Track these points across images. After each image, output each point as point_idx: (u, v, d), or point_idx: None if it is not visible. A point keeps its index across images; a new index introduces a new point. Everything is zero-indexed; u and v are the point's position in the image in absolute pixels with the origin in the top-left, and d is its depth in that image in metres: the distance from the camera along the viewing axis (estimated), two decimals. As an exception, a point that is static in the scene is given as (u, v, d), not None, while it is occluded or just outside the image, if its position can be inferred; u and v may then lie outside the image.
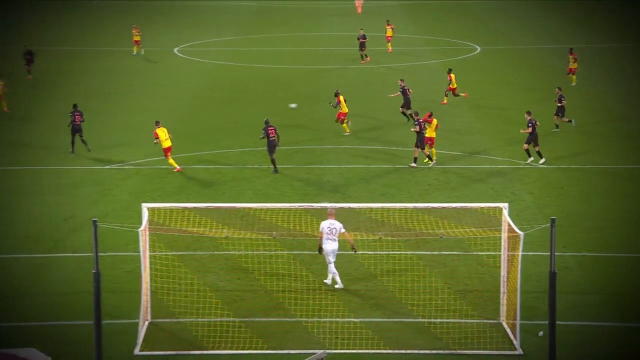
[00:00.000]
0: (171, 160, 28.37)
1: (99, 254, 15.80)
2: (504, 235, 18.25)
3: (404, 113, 34.63)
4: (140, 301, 17.70)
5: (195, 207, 20.98)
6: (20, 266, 21.15)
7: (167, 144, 28.30)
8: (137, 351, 16.92)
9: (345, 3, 74.21)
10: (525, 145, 29.33)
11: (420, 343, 17.31)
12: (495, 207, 19.30)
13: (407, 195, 26.51)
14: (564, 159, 30.49)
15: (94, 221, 15.75)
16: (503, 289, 18.21)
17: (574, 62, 41.64)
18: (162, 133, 28.28)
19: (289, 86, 42.81)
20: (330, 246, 19.29)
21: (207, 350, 16.98)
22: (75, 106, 30.82)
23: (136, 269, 20.09)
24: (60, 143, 31.80)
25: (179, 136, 33.08)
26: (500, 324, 18.18)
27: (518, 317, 17.25)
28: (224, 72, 46.76)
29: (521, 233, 17.28)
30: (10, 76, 41.28)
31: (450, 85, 37.84)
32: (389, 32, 50.76)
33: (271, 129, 28.09)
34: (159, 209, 20.00)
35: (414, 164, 28.65)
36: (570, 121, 33.41)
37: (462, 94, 38.15)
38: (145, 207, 18.28)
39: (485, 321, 18.24)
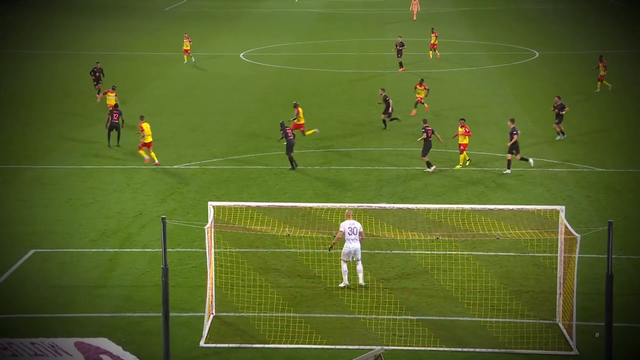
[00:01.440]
0: (152, 154, 29.73)
1: (167, 249, 16.49)
2: (561, 237, 18.43)
3: (384, 121, 34.28)
4: (206, 295, 18.44)
5: (258, 206, 21.66)
6: (96, 260, 22.09)
7: (149, 139, 29.67)
8: (202, 343, 17.57)
9: (401, 9, 74.41)
10: (509, 155, 28.54)
11: (476, 342, 17.61)
12: (552, 210, 19.51)
13: (464, 196, 26.80)
14: (620, 162, 30.34)
15: (163, 218, 16.42)
16: (559, 290, 18.40)
17: (603, 69, 41.32)
18: (148, 128, 29.74)
19: (350, 90, 43.36)
20: (352, 246, 19.72)
21: (268, 344, 17.53)
22: (116, 106, 33.19)
23: (202, 265, 20.89)
24: (130, 144, 33.03)
25: (246, 137, 34.00)
26: (557, 324, 18.38)
27: (574, 318, 17.43)
28: (288, 76, 47.54)
29: (578, 235, 17.48)
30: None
31: (419, 95, 36.43)
32: (433, 40, 50.46)
33: (288, 129, 29.45)
34: (224, 207, 20.73)
35: (429, 169, 28.90)
36: (561, 132, 32.71)
37: (425, 105, 36.44)
38: (211, 205, 19.01)
39: (541, 321, 18.46)
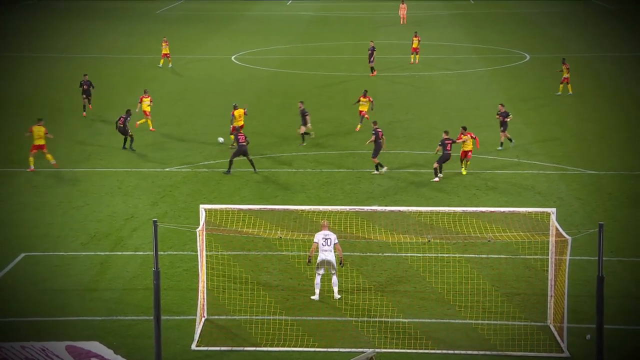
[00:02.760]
0: (32, 159, 29.79)
1: (159, 252, 16.46)
2: (552, 239, 18.49)
3: (303, 134, 33.60)
4: (197, 298, 18.43)
5: (250, 209, 21.67)
6: (87, 263, 22.05)
7: (40, 142, 29.86)
8: (194, 346, 17.57)
9: (390, 13, 74.55)
10: (436, 164, 28.25)
11: (468, 344, 17.66)
12: (543, 212, 19.56)
13: (456, 199, 26.85)
14: (612, 164, 30.45)
15: (154, 221, 16.42)
16: (550, 292, 18.46)
17: (567, 72, 41.53)
18: (38, 131, 29.89)
19: (342, 93, 43.41)
20: (326, 257, 19.31)
21: (260, 347, 17.54)
22: (128, 111, 32.61)
23: (193, 268, 20.88)
24: (120, 149, 33.00)
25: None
26: (548, 326, 18.43)
27: (565, 321, 17.49)
28: (281, 78, 47.56)
29: (569, 238, 17.54)
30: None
31: (362, 108, 34.47)
32: (416, 44, 50.27)
33: (240, 135, 29.13)
34: (215, 210, 20.72)
35: (377, 172, 28.74)
36: (509, 139, 32.19)
37: (365, 117, 34.93)
38: (202, 208, 19.02)
39: (533, 324, 18.51)
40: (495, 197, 26.97)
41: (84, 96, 37.85)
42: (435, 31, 65.05)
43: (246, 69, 50.34)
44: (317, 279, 19.62)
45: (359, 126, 34.80)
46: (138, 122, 34.47)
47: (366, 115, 34.55)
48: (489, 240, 21.57)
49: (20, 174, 29.74)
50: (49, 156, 29.80)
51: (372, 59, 46.94)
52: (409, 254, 21.95)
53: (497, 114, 32.43)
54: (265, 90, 44.35)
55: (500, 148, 32.02)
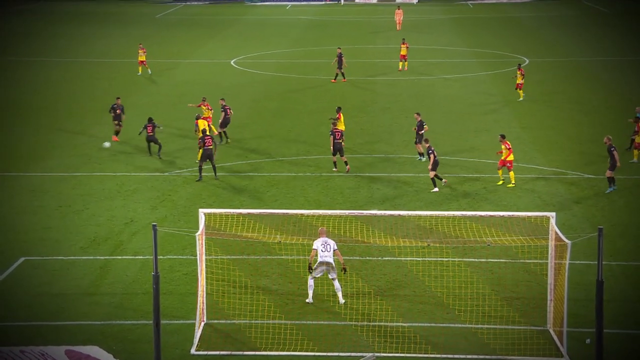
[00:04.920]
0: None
1: (158, 257, 16.48)
2: (551, 243, 18.50)
3: (221, 133, 33.73)
4: (197, 303, 18.42)
5: (249, 213, 21.67)
6: (86, 267, 22.03)
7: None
8: (193, 350, 17.54)
9: (387, 18, 74.67)
10: (432, 174, 27.76)
11: (467, 348, 17.66)
12: (543, 216, 19.58)
13: (455, 203, 26.86)
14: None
15: (154, 225, 16.43)
16: (550, 296, 18.46)
17: (521, 78, 41.56)
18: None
19: (341, 97, 43.46)
20: (325, 262, 19.29)
21: (259, 351, 17.53)
22: (150, 119, 32.13)
23: (193, 272, 20.86)
24: (121, 150, 32.99)
25: (236, 145, 34.00)
26: (547, 331, 18.43)
27: (565, 325, 17.50)
28: (279, 83, 47.60)
29: (568, 242, 17.55)
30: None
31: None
32: (404, 51, 49.97)
33: (208, 138, 28.92)
34: (214, 214, 20.71)
35: (436, 189, 27.87)
36: (420, 154, 31.24)
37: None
38: (202, 212, 19.02)
39: (532, 328, 18.52)
40: (494, 201, 26.99)
41: (116, 122, 34.25)
42: (433, 36, 65.16)
43: (245, 73, 50.39)
44: (311, 282, 19.57)
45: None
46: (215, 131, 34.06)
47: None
48: (489, 245, 21.58)
49: (19, 178, 29.73)
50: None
51: (340, 64, 46.44)
52: (408, 258, 21.95)
53: (415, 127, 31.25)
54: (264, 94, 44.39)
55: (420, 158, 31.12)
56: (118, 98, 35.23)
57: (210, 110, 34.94)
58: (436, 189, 27.82)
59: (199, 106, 35.06)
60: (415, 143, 31.63)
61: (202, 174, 29.13)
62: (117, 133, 34.27)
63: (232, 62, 53.79)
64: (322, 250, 19.36)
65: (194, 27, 71.78)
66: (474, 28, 69.80)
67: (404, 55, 49.78)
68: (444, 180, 28.11)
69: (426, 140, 28.96)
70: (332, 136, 29.84)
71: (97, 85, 47.02)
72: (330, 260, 19.35)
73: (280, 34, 66.95)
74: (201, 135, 29.80)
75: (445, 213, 22.29)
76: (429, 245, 21.83)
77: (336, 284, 19.62)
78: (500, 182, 28.55)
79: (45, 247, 23.37)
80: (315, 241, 19.60)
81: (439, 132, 35.96)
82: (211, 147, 28.86)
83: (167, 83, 47.54)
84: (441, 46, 60.02)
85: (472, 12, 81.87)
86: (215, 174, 29.22)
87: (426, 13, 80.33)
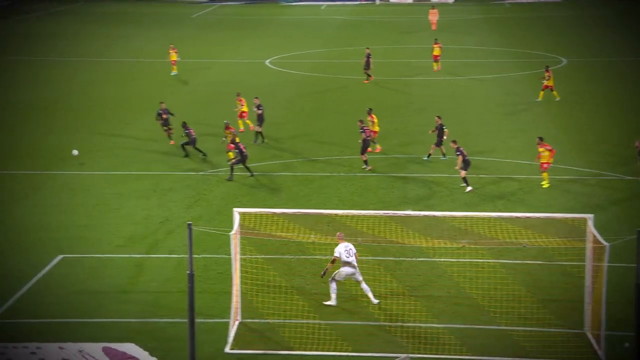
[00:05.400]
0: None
1: (193, 255, 16.57)
2: (589, 245, 18.27)
3: (258, 132, 33.74)
4: (231, 302, 18.49)
5: (283, 213, 21.71)
6: (123, 265, 22.27)
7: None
8: (227, 349, 17.62)
9: (421, 17, 74.35)
10: (463, 174, 27.68)
11: (503, 351, 17.52)
12: (580, 218, 19.34)
13: (490, 204, 26.65)
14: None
15: (189, 224, 16.56)
16: (588, 299, 18.23)
17: (549, 79, 40.96)
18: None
19: (375, 97, 43.38)
20: (351, 268, 19.39)
21: (293, 350, 17.54)
22: (185, 124, 32.28)
23: (227, 271, 20.95)
24: (157, 149, 33.29)
25: (271, 144, 34.10)
26: (584, 334, 18.21)
27: (603, 328, 17.26)
28: (314, 83, 47.65)
29: (607, 244, 17.32)
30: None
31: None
32: (437, 51, 49.47)
33: (241, 145, 29.28)
34: (249, 213, 20.79)
35: (470, 188, 27.78)
36: (444, 155, 31.22)
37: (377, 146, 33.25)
38: (236, 211, 19.11)
39: (569, 331, 18.30)
40: (531, 202, 26.72)
41: (165, 127, 33.69)
42: (469, 35, 64.72)
43: (280, 73, 50.52)
44: (334, 285, 19.56)
45: (378, 147, 32.73)
46: (251, 126, 34.50)
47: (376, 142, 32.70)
48: (525, 246, 21.37)
49: (58, 177, 30.14)
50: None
51: (368, 65, 46.32)
52: (443, 259, 21.83)
53: (435, 128, 31.15)
54: (298, 94, 44.47)
55: (444, 158, 31.14)
56: (162, 102, 34.68)
57: (243, 104, 35.29)
58: (470, 188, 27.61)
59: (240, 102, 35.33)
60: (436, 145, 31.33)
61: (233, 173, 29.25)
62: (170, 137, 33.72)
63: (266, 62, 53.97)
64: (346, 257, 19.41)
65: (229, 27, 72.15)
66: (511, 28, 69.18)
67: (436, 56, 49.53)
68: (469, 188, 27.78)
69: (454, 142, 28.79)
70: (362, 133, 30.01)
71: (133, 85, 47.50)
72: (355, 264, 19.44)
73: (315, 34, 67.02)
74: (230, 142, 29.76)
75: (481, 214, 22.13)
76: (463, 246, 21.68)
77: (364, 285, 19.61)
78: (547, 185, 28.17)
79: (83, 245, 23.66)
80: (336, 248, 19.58)
81: (475, 132, 35.75)
82: (246, 153, 29.08)
83: (202, 83, 47.85)
84: (477, 46, 59.59)
85: (509, 11, 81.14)
86: (250, 173, 29.34)
87: (462, 13, 79.81)
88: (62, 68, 52.77)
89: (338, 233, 20.06)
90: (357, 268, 19.50)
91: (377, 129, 32.36)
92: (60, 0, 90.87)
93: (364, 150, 30.30)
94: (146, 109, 39.78)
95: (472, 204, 26.68)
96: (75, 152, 31.15)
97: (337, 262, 19.56)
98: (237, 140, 29.67)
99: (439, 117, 31.84)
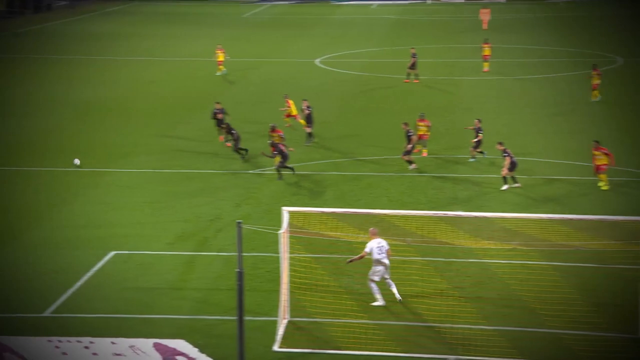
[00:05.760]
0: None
1: (242, 254, 16.65)
2: (645, 249, 17.90)
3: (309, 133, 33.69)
4: (280, 300, 18.55)
5: (332, 212, 21.69)
6: (173, 262, 22.50)
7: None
8: (276, 347, 17.67)
9: (472, 16, 73.58)
10: (505, 172, 27.61)
11: (554, 354, 17.24)
12: (635, 221, 18.93)
13: (542, 206, 26.25)
14: None
15: (238, 223, 16.66)
16: (642, 303, 17.86)
17: (597, 78, 39.86)
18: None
19: (423, 97, 43.11)
20: (382, 264, 19.35)
21: (341, 350, 17.52)
22: (229, 126, 32.44)
23: (276, 269, 21.01)
24: (207, 149, 33.63)
25: (320, 144, 34.15)
26: (639, 339, 17.83)
27: (657, 333, 16.91)
28: (364, 82, 47.57)
29: (663, 248, 16.94)
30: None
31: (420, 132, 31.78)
32: (487, 51, 48.83)
33: (282, 145, 29.27)
34: (298, 212, 20.83)
35: (506, 186, 27.79)
36: (482, 152, 31.01)
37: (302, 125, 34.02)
38: (285, 210, 19.17)
39: (622, 336, 17.93)
40: (584, 204, 26.24)
41: (220, 127, 33.36)
42: (521, 35, 63.88)
43: (330, 73, 50.55)
44: (374, 286, 19.52)
45: (424, 152, 32.18)
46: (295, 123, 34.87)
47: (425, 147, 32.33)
48: (578, 249, 20.99)
49: (110, 175, 30.63)
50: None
51: (413, 65, 45.94)
52: (493, 261, 21.57)
53: (474, 129, 30.95)
54: (348, 94, 44.43)
55: (473, 160, 31.02)
56: (217, 102, 34.69)
57: (290, 106, 35.42)
58: (506, 187, 27.40)
59: (288, 104, 35.52)
60: (472, 148, 31.10)
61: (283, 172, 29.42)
62: (220, 134, 33.69)
63: (316, 62, 54.05)
64: (378, 254, 19.37)
65: (280, 26, 72.48)
66: (565, 26, 68.11)
67: (486, 56, 49.02)
68: (518, 184, 27.61)
69: (500, 144, 28.44)
70: (411, 137, 30.01)
71: (186, 84, 48.02)
72: (387, 262, 19.45)
73: (366, 33, 66.91)
74: (270, 144, 29.82)
75: (532, 215, 21.80)
76: (514, 247, 21.38)
77: (390, 282, 19.59)
78: (606, 187, 27.65)
79: (134, 241, 24.00)
80: (368, 243, 19.51)
81: (524, 134, 35.30)
82: (286, 152, 29.14)
83: (252, 82, 48.14)
84: (529, 45, 58.78)
85: (563, 10, 79.87)
86: (293, 171, 29.42)
87: (515, 11, 78.85)
88: (116, 67, 53.62)
89: (371, 228, 19.96)
90: (389, 264, 19.46)
91: (428, 133, 32.14)
92: (115, 0, 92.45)
93: (408, 152, 30.12)
94: (198, 108, 40.20)
95: (524, 205, 26.32)
96: (76, 161, 31.09)
97: (365, 257, 19.51)
98: (278, 141, 29.76)
99: (478, 120, 31.55)
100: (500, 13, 75.85)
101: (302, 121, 34.95)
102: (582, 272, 21.06)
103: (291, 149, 30.09)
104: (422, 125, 32.05)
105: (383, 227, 22.59)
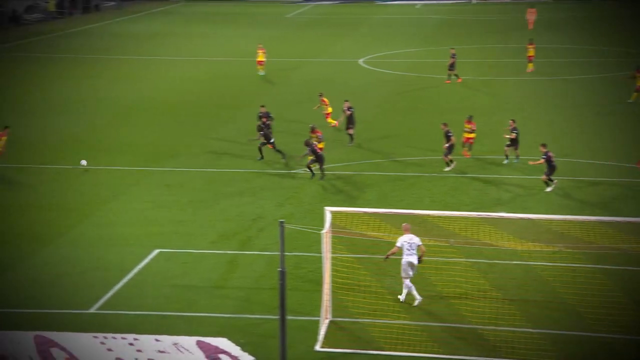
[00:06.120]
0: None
1: (285, 253, 16.68)
2: (694, 252, 17.51)
3: (349, 134, 33.53)
4: (322, 300, 18.55)
5: (375, 212, 21.62)
6: (216, 261, 22.66)
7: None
8: (318, 347, 17.68)
9: (517, 16, 72.72)
10: (545, 177, 27.42)
11: (600, 359, 16.96)
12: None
13: (589, 208, 25.83)
14: None
15: (281, 222, 16.69)
16: (692, 308, 17.47)
17: (638, 79, 38.86)
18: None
19: (467, 97, 42.74)
20: (411, 260, 19.30)
21: (383, 350, 17.46)
22: (260, 126, 32.46)
23: (318, 269, 21.00)
24: (249, 148, 33.81)
25: (363, 144, 34.05)
26: (689, 345, 17.46)
27: None
28: (407, 82, 47.35)
29: None
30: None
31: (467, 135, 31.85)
32: (531, 52, 48.18)
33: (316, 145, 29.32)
34: (340, 212, 20.81)
35: (549, 188, 27.52)
36: (507, 157, 30.56)
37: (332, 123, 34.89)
38: (328, 210, 19.16)
39: (672, 341, 17.58)
40: (633, 206, 25.75)
41: (262, 132, 31.91)
42: (568, 35, 62.99)
43: (373, 73, 50.42)
44: (408, 282, 19.46)
45: (468, 154, 31.79)
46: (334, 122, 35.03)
47: (470, 148, 32.13)
48: (625, 252, 20.60)
49: (153, 174, 30.95)
50: None
51: (452, 65, 45.57)
52: (538, 263, 21.29)
53: (511, 131, 30.60)
54: (392, 94, 44.26)
55: (507, 162, 30.72)
56: (262, 106, 33.98)
57: (327, 105, 35.43)
58: (549, 189, 27.15)
59: (323, 102, 35.65)
60: (507, 146, 30.82)
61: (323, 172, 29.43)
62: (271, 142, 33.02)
63: (360, 62, 53.96)
64: (407, 249, 19.36)
65: (324, 26, 72.52)
66: (614, 26, 66.93)
67: (531, 56, 48.47)
68: (554, 181, 27.49)
69: (543, 145, 28.12)
70: (451, 137, 29.99)
71: (226, 84, 48.31)
72: (415, 260, 19.40)
73: (410, 33, 66.60)
74: (305, 144, 29.80)
75: (579, 217, 21.46)
76: (559, 250, 21.07)
77: (408, 282, 19.51)
78: None
79: (178, 240, 24.21)
80: (400, 238, 19.51)
81: (569, 134, 34.79)
82: (320, 153, 29.13)
83: (295, 82, 48.23)
84: (575, 45, 57.90)
85: (613, 9, 78.51)
86: (322, 175, 29.30)
87: (561, 11, 77.77)
88: (162, 66, 54.13)
89: (404, 224, 19.89)
90: (416, 263, 19.40)
91: (472, 135, 31.83)
92: (159, 0, 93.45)
93: (448, 153, 30.07)
94: (240, 108, 40.40)
95: (569, 207, 25.92)
96: (83, 162, 31.16)
97: (398, 252, 19.53)
98: (315, 142, 29.72)
99: (513, 120, 31.24)
100: (547, 12, 74.86)
101: (331, 120, 34.91)
102: (631, 275, 20.66)
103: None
104: (467, 128, 31.82)
105: (426, 227, 22.44)
